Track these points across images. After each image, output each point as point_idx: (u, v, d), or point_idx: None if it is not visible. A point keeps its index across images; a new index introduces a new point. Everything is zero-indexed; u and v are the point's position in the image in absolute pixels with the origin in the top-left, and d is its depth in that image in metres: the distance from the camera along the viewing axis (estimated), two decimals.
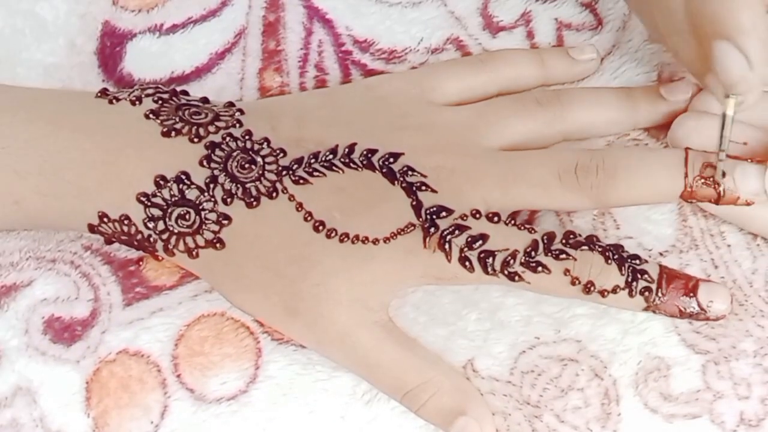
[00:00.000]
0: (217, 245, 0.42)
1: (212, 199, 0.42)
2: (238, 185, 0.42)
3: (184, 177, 0.42)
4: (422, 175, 0.43)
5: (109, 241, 0.44)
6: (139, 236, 0.42)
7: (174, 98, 0.44)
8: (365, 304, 0.42)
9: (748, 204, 0.42)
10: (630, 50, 0.48)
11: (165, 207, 0.42)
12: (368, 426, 0.43)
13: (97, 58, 0.48)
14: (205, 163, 0.42)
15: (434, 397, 0.42)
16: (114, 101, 0.43)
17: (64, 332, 0.44)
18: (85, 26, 0.48)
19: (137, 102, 0.43)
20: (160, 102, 0.43)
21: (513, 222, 0.42)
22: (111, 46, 0.48)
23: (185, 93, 0.45)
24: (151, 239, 0.42)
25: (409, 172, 0.42)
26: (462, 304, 0.44)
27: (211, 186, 0.42)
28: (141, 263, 0.45)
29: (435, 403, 0.42)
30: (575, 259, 0.41)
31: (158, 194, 0.42)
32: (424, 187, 0.42)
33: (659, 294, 0.41)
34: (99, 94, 0.44)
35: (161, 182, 0.42)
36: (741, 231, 0.45)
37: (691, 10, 0.39)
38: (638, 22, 0.47)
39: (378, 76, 0.47)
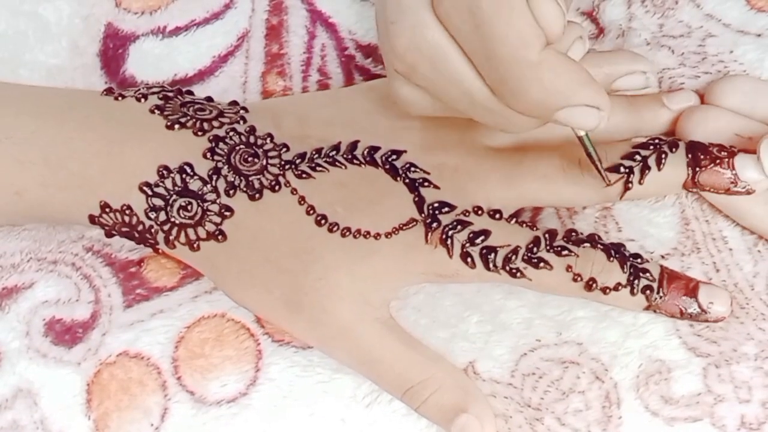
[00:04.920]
0: (219, 237, 0.42)
1: (215, 191, 0.42)
2: (241, 178, 0.42)
3: (187, 168, 0.42)
4: (425, 171, 0.43)
5: (109, 234, 0.43)
6: (140, 227, 0.42)
7: (179, 96, 0.44)
8: (367, 299, 0.42)
9: (748, 193, 0.42)
10: None
11: (167, 197, 0.42)
12: (369, 428, 0.43)
13: (100, 60, 0.48)
14: (208, 155, 0.42)
15: (435, 394, 0.42)
16: (120, 98, 0.44)
17: (65, 334, 0.44)
18: (88, 28, 0.48)
19: (143, 99, 0.43)
20: (164, 99, 0.44)
21: (515, 219, 0.43)
22: (114, 48, 0.48)
23: (190, 92, 0.45)
24: (153, 230, 0.42)
25: (412, 169, 0.43)
26: (463, 306, 0.44)
27: (214, 177, 0.42)
28: (142, 264, 0.45)
29: (436, 400, 0.42)
30: (577, 256, 0.41)
31: (161, 184, 0.42)
32: (426, 184, 0.43)
33: (660, 293, 0.41)
34: (105, 92, 0.44)
35: (164, 172, 0.42)
36: (742, 235, 0.45)
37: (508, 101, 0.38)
38: (638, 28, 0.48)
39: (380, 80, 0.47)
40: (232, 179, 0.42)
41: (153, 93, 0.44)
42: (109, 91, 0.44)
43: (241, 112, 0.44)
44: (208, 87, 0.48)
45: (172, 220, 0.42)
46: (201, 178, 0.42)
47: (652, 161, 0.43)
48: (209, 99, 0.45)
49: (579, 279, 0.41)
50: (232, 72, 0.48)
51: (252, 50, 0.48)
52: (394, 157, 0.43)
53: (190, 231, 0.42)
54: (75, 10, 0.48)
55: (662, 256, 0.44)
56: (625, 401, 0.43)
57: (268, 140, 0.43)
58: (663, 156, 0.43)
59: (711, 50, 0.47)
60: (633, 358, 0.43)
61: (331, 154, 0.43)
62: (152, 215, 0.42)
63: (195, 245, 0.42)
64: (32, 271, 0.45)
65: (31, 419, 0.43)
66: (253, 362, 0.44)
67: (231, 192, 0.42)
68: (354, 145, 0.43)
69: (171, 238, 0.42)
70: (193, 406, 0.43)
